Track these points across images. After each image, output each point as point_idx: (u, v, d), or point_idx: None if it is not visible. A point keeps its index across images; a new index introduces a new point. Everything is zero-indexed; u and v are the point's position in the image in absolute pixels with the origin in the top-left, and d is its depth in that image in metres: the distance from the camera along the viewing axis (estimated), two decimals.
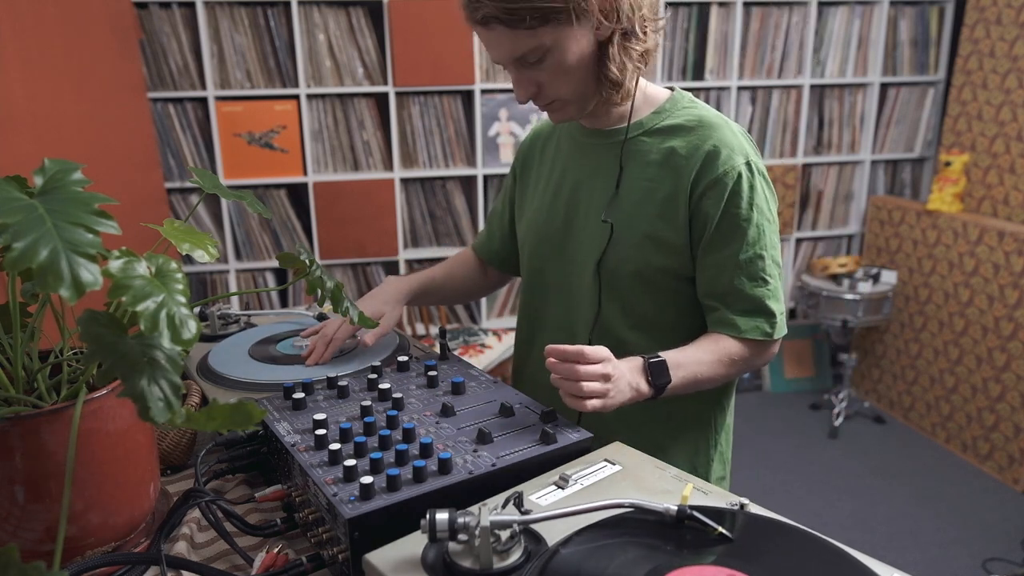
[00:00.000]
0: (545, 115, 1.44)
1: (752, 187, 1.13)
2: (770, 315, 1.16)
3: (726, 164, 1.12)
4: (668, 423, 1.26)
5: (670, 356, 1.09)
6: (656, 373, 1.06)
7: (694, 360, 1.11)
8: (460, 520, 0.68)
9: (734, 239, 1.13)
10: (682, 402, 1.18)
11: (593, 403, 0.97)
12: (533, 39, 1.03)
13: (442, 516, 0.68)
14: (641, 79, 1.18)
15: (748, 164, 1.13)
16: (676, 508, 0.71)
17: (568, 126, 1.30)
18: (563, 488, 0.81)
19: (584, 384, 0.96)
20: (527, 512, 0.71)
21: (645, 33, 1.09)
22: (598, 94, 1.13)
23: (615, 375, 1.00)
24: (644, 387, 1.05)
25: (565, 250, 1.27)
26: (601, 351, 1.00)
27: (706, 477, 1.30)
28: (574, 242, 1.25)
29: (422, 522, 0.68)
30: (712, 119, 1.17)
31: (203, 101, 3.03)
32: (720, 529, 0.70)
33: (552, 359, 0.99)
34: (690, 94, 1.23)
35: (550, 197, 1.29)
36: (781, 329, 1.18)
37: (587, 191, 1.23)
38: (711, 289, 1.17)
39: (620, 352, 1.24)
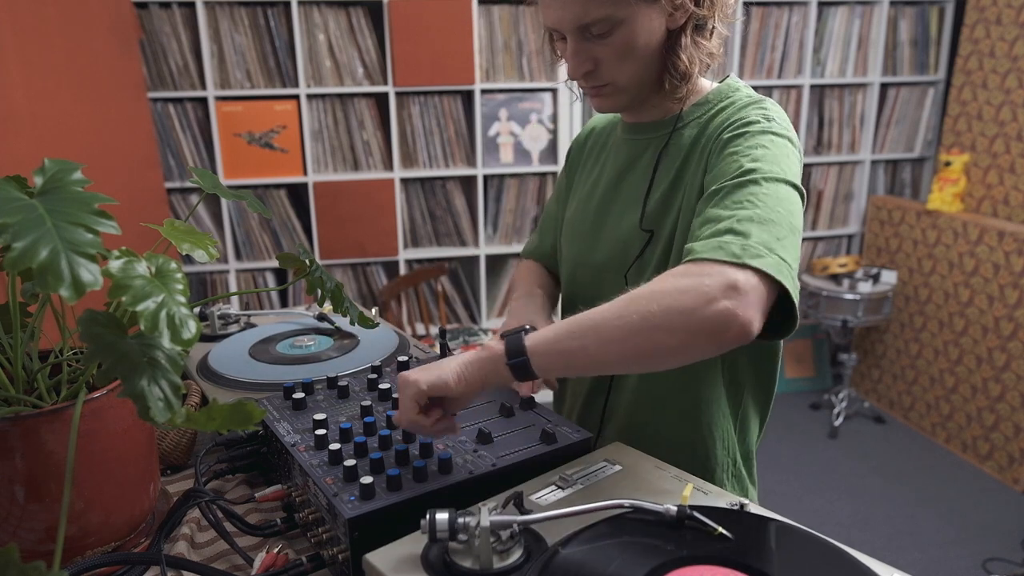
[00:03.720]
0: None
1: (764, 131, 0.94)
2: (741, 235, 0.81)
3: (741, 112, 0.99)
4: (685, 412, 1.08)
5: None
6: (512, 334, 0.84)
7: (583, 316, 0.81)
8: (460, 520, 0.68)
9: (729, 168, 0.92)
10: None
11: (400, 416, 0.83)
12: (608, 7, 0.93)
13: (442, 516, 0.68)
14: None
15: (767, 117, 0.97)
16: (676, 508, 0.72)
17: (620, 123, 1.19)
18: (563, 488, 0.81)
19: (403, 419, 0.83)
20: (527, 512, 0.71)
21: (713, 33, 1.02)
22: (657, 86, 1.03)
23: (400, 383, 0.84)
24: (495, 344, 0.83)
25: (593, 257, 1.15)
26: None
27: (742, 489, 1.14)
28: (603, 249, 1.14)
29: (422, 522, 0.68)
30: (743, 95, 1.04)
31: (203, 101, 3.03)
32: (720, 529, 0.70)
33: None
34: (740, 83, 1.09)
35: (585, 197, 1.20)
36: (778, 269, 0.79)
37: (617, 191, 1.13)
38: (691, 240, 0.87)
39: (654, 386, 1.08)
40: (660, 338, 0.76)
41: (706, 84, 1.10)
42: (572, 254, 1.21)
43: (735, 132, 0.96)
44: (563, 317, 1.17)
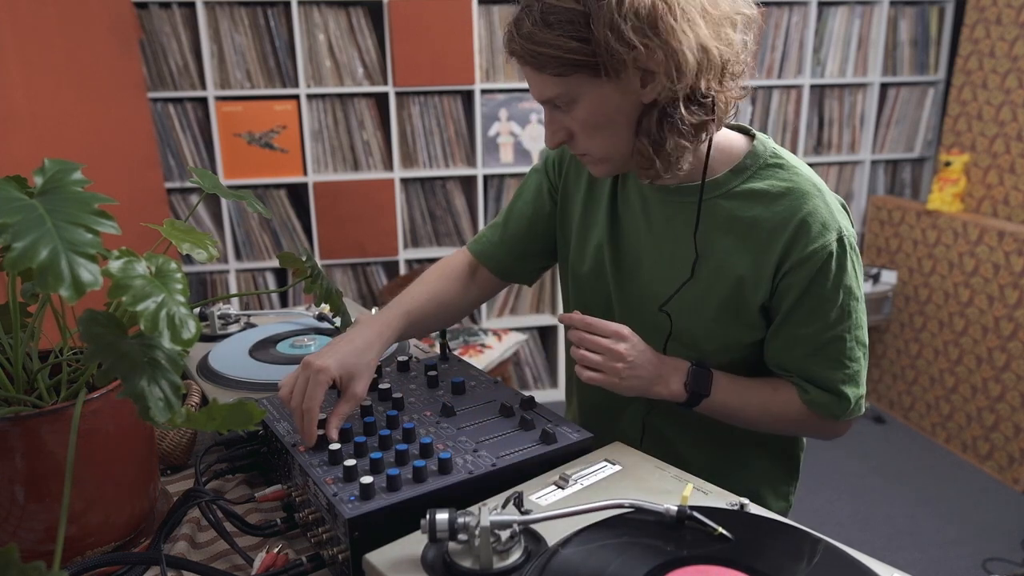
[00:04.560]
0: None
1: (842, 266, 0.99)
2: (843, 398, 1.03)
3: (817, 242, 0.97)
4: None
5: (721, 376, 1.04)
6: (697, 380, 1.01)
7: (743, 393, 1.05)
8: (460, 520, 0.68)
9: (815, 319, 1.01)
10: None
11: (591, 375, 0.98)
12: (559, 86, 0.92)
13: (442, 516, 0.68)
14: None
15: (840, 240, 0.98)
16: (676, 508, 0.72)
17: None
18: (563, 488, 0.81)
19: (583, 352, 0.98)
20: (527, 512, 0.71)
21: (710, 101, 0.92)
22: (633, 157, 0.98)
23: (631, 357, 0.97)
24: (676, 387, 1.01)
25: (620, 318, 1.13)
26: (618, 329, 0.98)
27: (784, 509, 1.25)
28: (633, 317, 1.09)
29: (422, 522, 0.68)
30: (803, 187, 1.00)
31: (203, 101, 3.03)
32: (720, 529, 0.70)
33: (567, 322, 1.00)
34: (772, 142, 1.05)
35: (605, 251, 1.13)
36: (854, 412, 1.05)
37: (638, 258, 1.10)
38: (780, 362, 1.06)
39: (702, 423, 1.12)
40: (776, 431, 1.14)
41: (737, 143, 1.03)
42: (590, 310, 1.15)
43: (816, 271, 0.99)
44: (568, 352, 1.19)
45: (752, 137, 1.05)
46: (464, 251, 1.29)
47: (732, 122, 1.05)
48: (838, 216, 0.99)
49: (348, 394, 0.95)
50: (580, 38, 0.86)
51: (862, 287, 1.04)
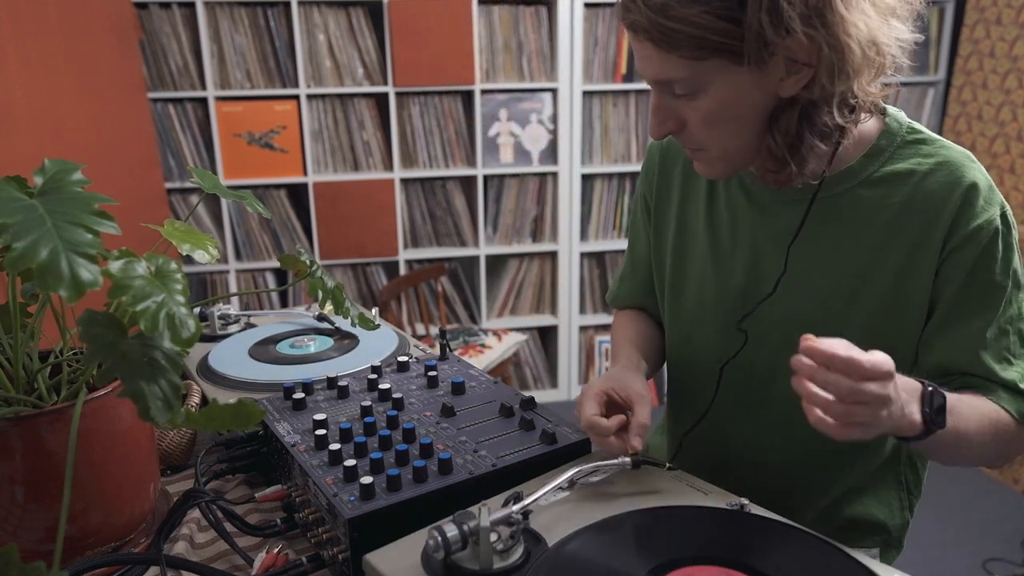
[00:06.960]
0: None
1: (1008, 246, 0.88)
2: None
3: (983, 216, 0.86)
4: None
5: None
6: (935, 406, 0.76)
7: (960, 409, 0.82)
8: (465, 526, 0.67)
9: (981, 312, 0.88)
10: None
11: (851, 432, 0.69)
12: (686, 70, 0.79)
13: (451, 530, 0.67)
14: None
15: (1004, 216, 0.87)
16: (630, 459, 0.82)
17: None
18: (563, 488, 0.81)
19: (855, 408, 0.67)
20: (527, 512, 0.71)
21: (857, 102, 0.84)
22: (759, 156, 0.86)
23: (893, 398, 0.70)
24: (917, 418, 0.74)
25: (761, 336, 0.97)
26: (884, 363, 0.68)
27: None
28: (770, 325, 0.96)
29: (430, 543, 0.67)
30: (956, 158, 0.88)
31: (203, 101, 3.03)
32: (668, 464, 0.82)
33: (807, 361, 0.68)
34: (904, 116, 0.93)
35: (723, 264, 1.00)
36: None
37: (776, 260, 0.94)
38: (949, 363, 0.90)
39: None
40: (989, 457, 0.91)
41: (866, 123, 0.91)
42: (709, 335, 1.03)
43: (982, 251, 0.87)
44: (669, 374, 1.14)
45: (882, 113, 0.92)
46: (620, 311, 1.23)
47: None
48: (996, 190, 0.89)
49: (634, 396, 0.88)
50: (729, 18, 0.74)
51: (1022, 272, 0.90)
